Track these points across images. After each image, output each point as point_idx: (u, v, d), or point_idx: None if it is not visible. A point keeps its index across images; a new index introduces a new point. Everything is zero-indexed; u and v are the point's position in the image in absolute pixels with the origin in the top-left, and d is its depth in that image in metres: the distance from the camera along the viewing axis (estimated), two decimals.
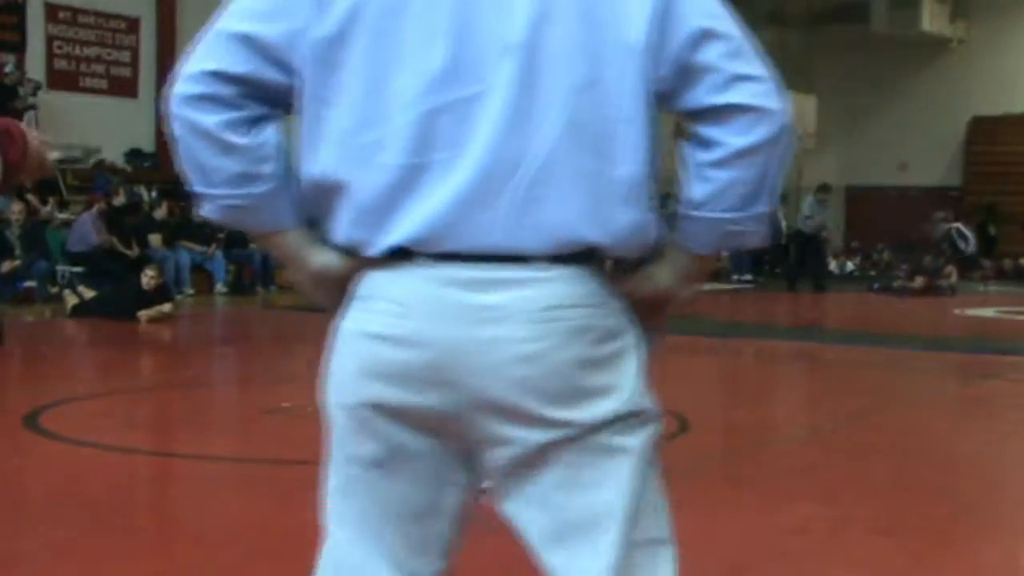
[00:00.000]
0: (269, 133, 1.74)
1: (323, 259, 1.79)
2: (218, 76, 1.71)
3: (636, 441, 1.74)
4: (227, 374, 9.75)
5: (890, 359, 10.52)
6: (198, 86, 1.73)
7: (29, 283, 13.35)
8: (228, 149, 1.72)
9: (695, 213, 1.73)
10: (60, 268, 13.72)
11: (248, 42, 1.71)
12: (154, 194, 16.34)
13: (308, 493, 5.52)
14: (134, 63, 17.83)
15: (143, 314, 11.96)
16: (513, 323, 1.66)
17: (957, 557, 4.32)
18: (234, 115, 1.71)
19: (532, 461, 1.72)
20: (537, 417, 1.69)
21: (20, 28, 16.47)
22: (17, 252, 13.56)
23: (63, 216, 14.75)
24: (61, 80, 16.88)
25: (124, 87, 17.72)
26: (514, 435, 1.71)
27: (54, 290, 12.85)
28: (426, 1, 1.67)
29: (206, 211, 1.81)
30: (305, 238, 1.80)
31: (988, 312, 15.87)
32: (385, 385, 1.71)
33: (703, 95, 1.69)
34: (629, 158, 1.69)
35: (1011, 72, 26.20)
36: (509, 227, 1.66)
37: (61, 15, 17.05)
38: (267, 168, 1.73)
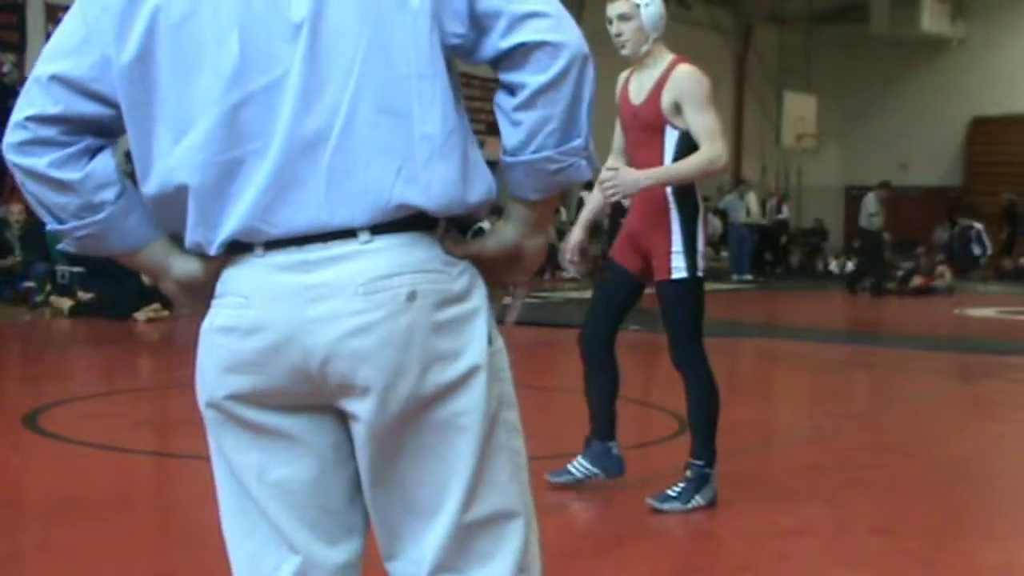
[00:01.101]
0: (100, 161, 1.83)
1: (185, 267, 1.85)
2: (37, 120, 1.79)
3: (477, 409, 1.75)
4: None
5: (890, 359, 10.52)
6: (22, 133, 1.80)
7: (29, 283, 13.34)
8: (62, 186, 1.80)
9: (513, 159, 1.74)
10: (60, 268, 13.70)
11: (58, 81, 1.79)
12: None
13: None
14: None
15: (140, 314, 11.95)
16: (341, 298, 1.69)
17: (956, 557, 4.32)
18: (61, 153, 1.79)
19: (379, 439, 1.74)
20: (378, 391, 1.70)
21: (20, 28, 16.46)
22: (17, 253, 13.55)
23: None
24: None
25: None
26: (360, 411, 1.73)
27: (40, 298, 12.78)
28: (213, 1, 1.70)
29: (64, 246, 1.90)
30: (167, 248, 1.88)
31: (988, 312, 15.86)
32: (241, 376, 1.75)
33: (495, 41, 1.70)
34: (432, 115, 1.71)
35: (1011, 72, 26.20)
36: (322, 203, 1.69)
37: (61, 15, 16.92)
38: (106, 194, 1.83)
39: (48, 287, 13.17)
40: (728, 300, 16.39)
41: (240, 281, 1.75)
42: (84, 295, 12.61)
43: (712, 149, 4.41)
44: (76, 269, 13.62)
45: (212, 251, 1.76)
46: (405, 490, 1.77)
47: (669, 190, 4.55)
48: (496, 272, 1.83)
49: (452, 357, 1.73)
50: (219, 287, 1.78)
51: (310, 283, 1.69)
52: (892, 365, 10.16)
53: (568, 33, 1.70)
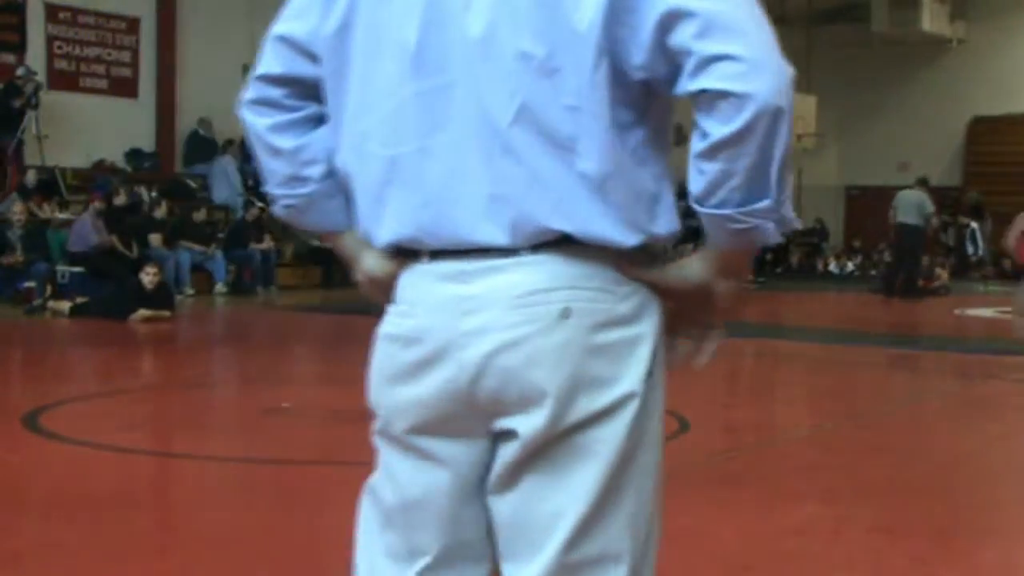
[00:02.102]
0: (315, 136, 1.80)
1: (369, 263, 1.81)
2: (264, 79, 1.82)
3: (614, 440, 1.65)
4: (227, 374, 9.75)
5: (890, 359, 10.52)
6: (252, 91, 1.83)
7: (29, 283, 13.34)
8: (275, 152, 1.81)
9: (697, 208, 1.62)
10: (60, 268, 13.71)
11: (283, 42, 1.82)
12: (154, 194, 16.34)
13: (308, 493, 5.56)
14: (134, 63, 17.82)
15: (140, 314, 11.96)
16: (494, 311, 1.63)
17: (956, 557, 4.32)
18: (283, 118, 1.80)
19: (516, 457, 1.67)
20: (525, 406, 1.63)
21: (20, 28, 16.46)
22: (18, 253, 13.55)
23: (63, 216, 14.74)
24: (61, 80, 16.87)
25: (124, 87, 17.71)
26: (505, 427, 1.67)
27: (37, 303, 12.76)
28: None
29: (274, 210, 1.90)
30: (360, 241, 1.82)
31: (988, 312, 15.86)
32: (397, 387, 1.72)
33: (685, 81, 1.56)
34: (592, 152, 1.61)
35: (1011, 72, 26.18)
36: (480, 221, 1.64)
37: (61, 15, 17.04)
38: (313, 171, 1.80)
39: (48, 288, 13.17)
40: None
41: (408, 288, 1.72)
42: (80, 300, 12.60)
43: None
44: (76, 269, 13.63)
45: (376, 244, 1.75)
46: (521, 508, 1.69)
47: None
48: (684, 311, 1.73)
49: (606, 383, 1.64)
50: (396, 292, 1.76)
51: (466, 294, 1.65)
52: (892, 365, 10.16)
53: (760, 82, 1.52)
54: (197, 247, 15.58)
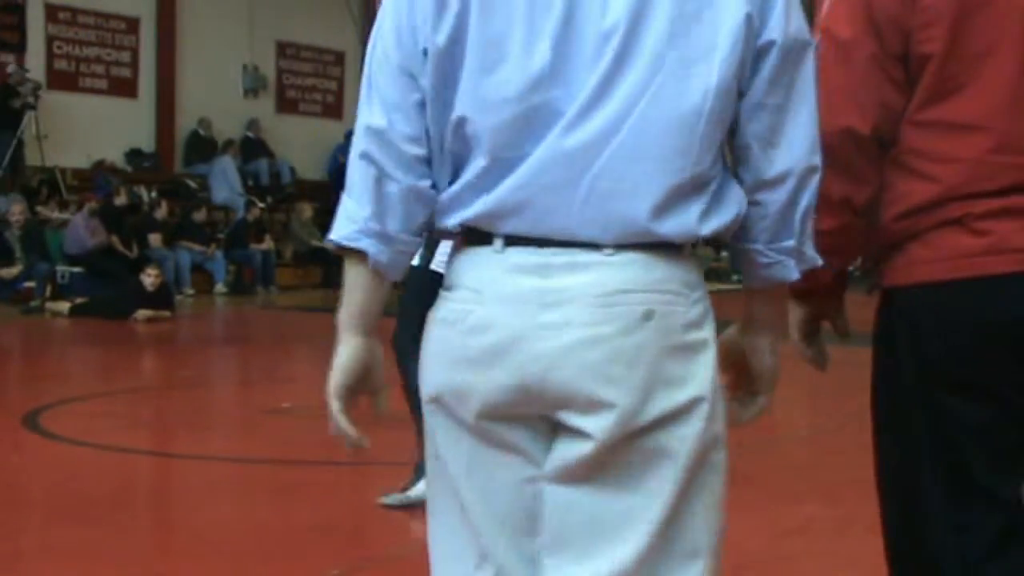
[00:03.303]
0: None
1: (348, 350, 1.82)
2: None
3: (690, 441, 1.68)
4: (227, 374, 9.75)
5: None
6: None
7: (29, 283, 13.34)
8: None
9: (732, 242, 1.76)
10: (60, 268, 13.71)
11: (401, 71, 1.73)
12: (154, 194, 16.34)
13: (308, 493, 5.56)
14: (134, 63, 17.82)
15: (140, 314, 11.97)
16: (576, 307, 1.64)
17: None
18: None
19: (588, 454, 1.67)
20: (600, 405, 1.65)
21: (20, 28, 16.46)
22: (17, 254, 13.55)
23: (63, 216, 14.74)
24: (61, 80, 16.87)
25: (124, 87, 17.71)
26: (578, 424, 1.67)
27: (35, 303, 12.76)
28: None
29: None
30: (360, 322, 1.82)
31: None
32: (459, 373, 1.70)
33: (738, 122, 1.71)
34: (706, 158, 1.66)
35: None
36: (574, 216, 1.64)
37: (61, 15, 17.03)
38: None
39: (48, 288, 13.18)
40: (728, 300, 16.37)
41: (474, 274, 1.70)
42: (80, 300, 12.61)
43: None
44: (76, 270, 13.63)
45: (447, 224, 1.71)
46: (589, 505, 1.69)
47: None
48: (738, 378, 1.83)
49: (678, 385, 1.67)
50: (452, 277, 1.73)
51: (547, 287, 1.65)
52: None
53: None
54: (197, 247, 15.58)
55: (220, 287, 15.73)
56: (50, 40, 16.87)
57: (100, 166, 16.69)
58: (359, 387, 1.82)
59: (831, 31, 1.94)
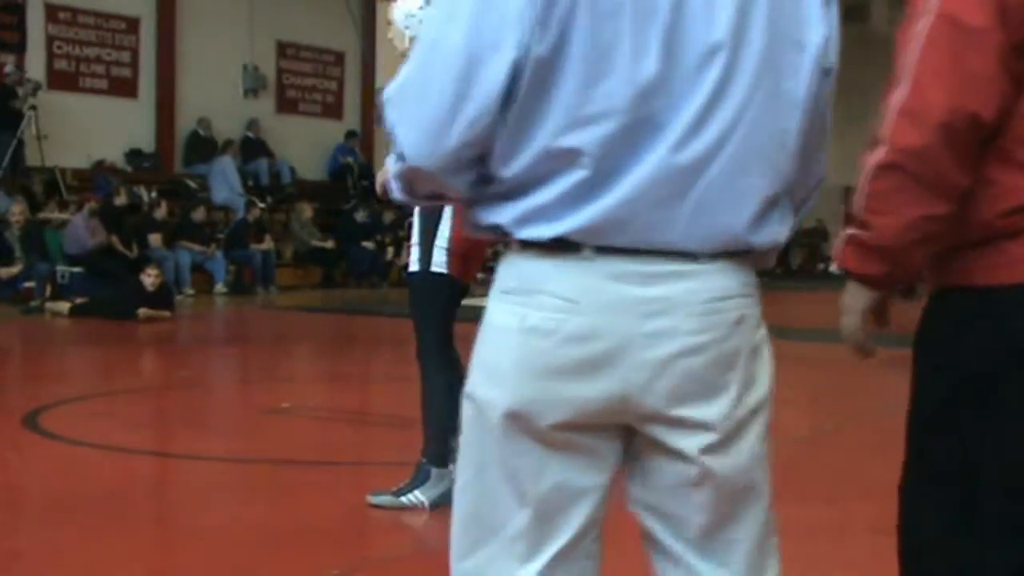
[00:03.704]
0: None
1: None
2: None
3: (763, 428, 1.78)
4: (227, 374, 9.75)
5: (890, 359, 10.49)
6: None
7: (29, 283, 13.34)
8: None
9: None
10: (60, 268, 13.71)
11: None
12: (154, 194, 16.34)
13: (308, 493, 5.54)
14: (134, 63, 17.82)
15: (143, 311, 11.97)
16: (679, 315, 1.66)
17: None
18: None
19: (701, 457, 1.72)
20: (701, 409, 1.70)
21: (20, 28, 16.46)
22: (17, 254, 13.55)
23: (63, 216, 14.74)
24: (61, 80, 16.87)
25: (124, 87, 17.71)
26: (674, 430, 1.71)
27: (35, 303, 12.76)
28: (637, 4, 1.62)
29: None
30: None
31: None
32: (552, 382, 1.68)
33: None
34: (789, 168, 1.73)
35: None
36: (684, 230, 1.66)
37: (61, 15, 17.03)
38: None
39: (48, 288, 13.17)
40: None
41: (565, 283, 1.66)
42: (80, 300, 12.60)
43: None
44: (76, 269, 13.63)
45: (534, 236, 1.67)
46: (718, 503, 1.77)
47: None
48: None
49: (757, 383, 1.75)
50: (517, 281, 1.71)
51: (648, 296, 1.65)
52: (892, 365, 10.13)
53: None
54: (197, 247, 15.57)
55: (220, 287, 15.73)
56: (50, 40, 16.87)
57: (100, 166, 16.68)
58: None
59: (956, 16, 1.90)
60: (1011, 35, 1.88)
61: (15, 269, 13.41)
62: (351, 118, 20.80)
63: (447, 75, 1.61)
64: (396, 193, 1.79)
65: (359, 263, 17.99)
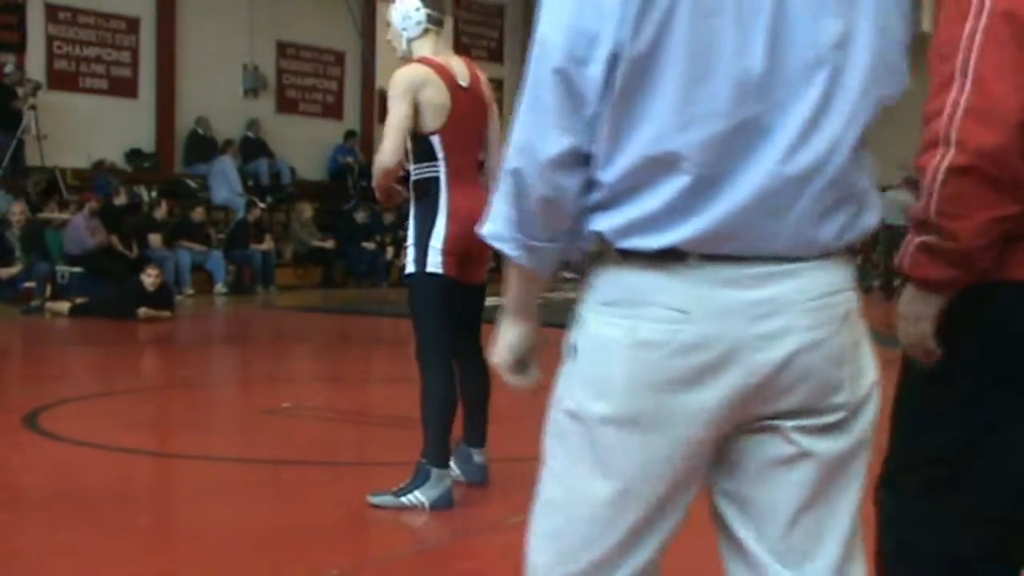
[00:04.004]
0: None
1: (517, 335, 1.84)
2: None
3: (873, 426, 1.77)
4: (227, 374, 9.75)
5: (890, 359, 10.50)
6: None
7: (29, 284, 13.34)
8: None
9: None
10: (60, 268, 13.71)
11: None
12: (154, 194, 16.33)
13: (308, 493, 5.55)
14: (134, 63, 17.81)
15: (143, 311, 11.97)
16: (790, 314, 1.65)
17: None
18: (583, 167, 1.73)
19: (801, 456, 1.72)
20: (818, 406, 1.70)
21: (20, 28, 16.45)
22: (17, 254, 13.55)
23: (63, 216, 14.74)
24: (61, 80, 16.86)
25: (124, 87, 17.70)
26: (791, 426, 1.70)
27: (35, 303, 12.75)
28: (740, 3, 1.59)
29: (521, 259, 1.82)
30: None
31: None
32: (664, 394, 1.66)
33: None
34: (868, 164, 1.74)
35: None
36: (791, 239, 1.65)
37: (61, 15, 17.02)
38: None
39: (48, 288, 13.17)
40: None
41: (675, 293, 1.64)
42: (80, 300, 12.60)
43: (383, 143, 4.46)
44: (76, 269, 13.63)
45: (641, 246, 1.64)
46: (823, 498, 1.76)
47: (410, 185, 4.64)
48: None
49: (866, 371, 1.76)
50: (620, 292, 1.68)
51: (756, 298, 1.64)
52: (891, 365, 10.14)
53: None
54: (197, 247, 15.58)
55: (220, 287, 15.73)
56: (50, 40, 16.86)
57: (100, 166, 16.68)
58: (519, 363, 1.86)
59: (1016, 13, 1.89)
60: None
61: (15, 269, 13.41)
62: (351, 118, 20.79)
63: (548, 72, 1.61)
64: (508, 242, 1.73)
65: (359, 263, 17.99)
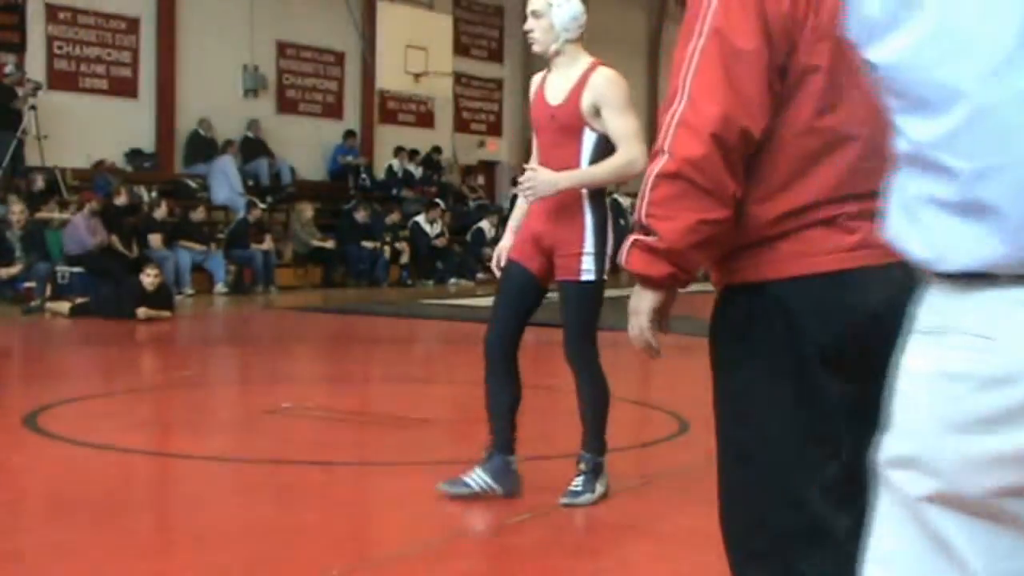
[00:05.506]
0: None
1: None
2: None
3: None
4: (227, 374, 9.75)
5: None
6: None
7: (29, 284, 13.35)
8: None
9: None
10: (60, 268, 13.71)
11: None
12: (154, 194, 16.34)
13: (308, 493, 5.55)
14: (134, 63, 17.81)
15: (142, 311, 11.98)
16: None
17: None
18: None
19: None
20: None
21: (20, 28, 16.45)
22: (17, 254, 13.56)
23: (63, 216, 14.74)
24: (61, 80, 16.86)
25: (124, 87, 17.70)
26: None
27: (36, 303, 12.75)
28: None
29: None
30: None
31: None
32: (982, 435, 1.40)
33: None
34: None
35: None
36: None
37: (61, 15, 17.02)
38: None
39: (48, 288, 13.17)
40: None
41: (981, 317, 1.40)
42: (80, 300, 12.60)
43: (630, 151, 4.46)
44: (76, 269, 13.63)
45: (947, 269, 1.43)
46: None
47: (584, 192, 4.60)
48: None
49: None
50: (941, 319, 1.45)
51: None
52: None
53: None
54: (197, 247, 15.58)
55: (220, 287, 15.73)
56: (50, 40, 16.87)
57: (100, 166, 16.69)
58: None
59: (726, 36, 2.05)
60: (774, 58, 2.06)
61: (15, 269, 13.41)
62: (351, 118, 20.80)
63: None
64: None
65: (359, 263, 18.00)
